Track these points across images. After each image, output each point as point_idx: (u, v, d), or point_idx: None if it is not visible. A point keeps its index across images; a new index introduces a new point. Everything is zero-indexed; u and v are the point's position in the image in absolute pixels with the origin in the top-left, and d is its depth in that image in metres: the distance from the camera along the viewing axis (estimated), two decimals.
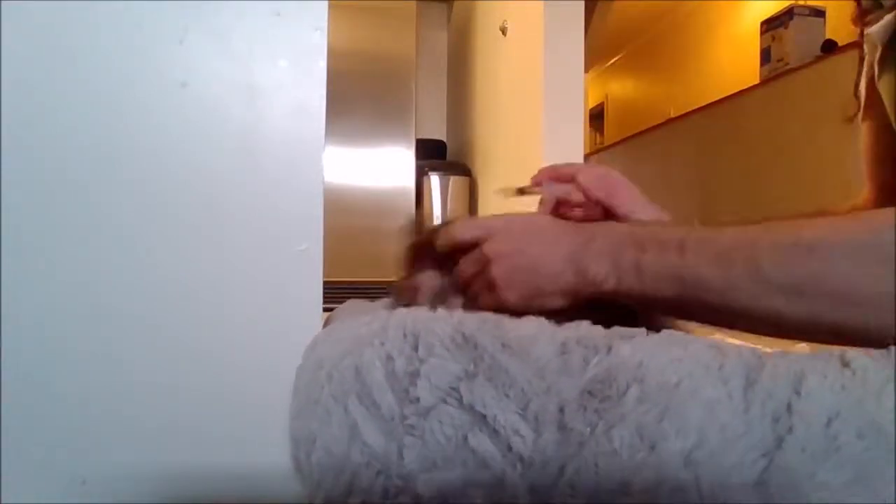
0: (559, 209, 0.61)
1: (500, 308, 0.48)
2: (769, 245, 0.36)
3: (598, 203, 0.60)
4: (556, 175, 0.63)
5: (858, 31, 0.68)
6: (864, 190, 0.76)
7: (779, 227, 0.38)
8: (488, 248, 0.49)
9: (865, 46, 0.68)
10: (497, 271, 0.49)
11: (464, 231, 0.52)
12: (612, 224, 0.49)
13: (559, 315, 0.41)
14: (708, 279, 0.37)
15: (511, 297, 0.48)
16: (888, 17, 0.61)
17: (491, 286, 0.49)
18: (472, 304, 0.51)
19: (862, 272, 0.34)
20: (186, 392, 0.46)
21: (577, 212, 0.60)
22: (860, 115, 0.73)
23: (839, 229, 0.36)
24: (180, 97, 0.46)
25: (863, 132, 0.74)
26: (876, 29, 0.65)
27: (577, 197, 0.60)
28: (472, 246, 0.51)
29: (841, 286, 0.34)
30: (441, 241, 0.54)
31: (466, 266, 0.52)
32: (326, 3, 0.49)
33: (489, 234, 0.50)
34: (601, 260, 0.43)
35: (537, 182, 0.63)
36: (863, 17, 0.66)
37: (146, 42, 0.46)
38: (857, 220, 0.37)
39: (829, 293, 0.34)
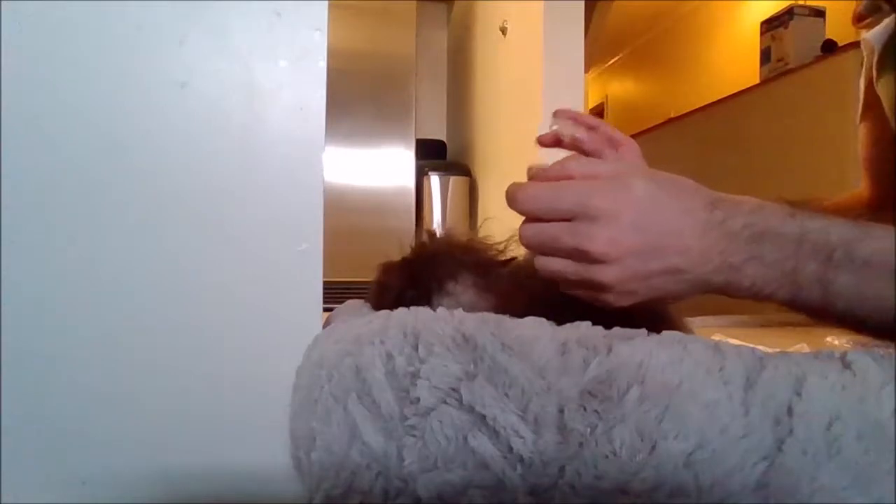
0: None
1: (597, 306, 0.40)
2: None
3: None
4: (577, 120, 0.58)
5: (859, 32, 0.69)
6: (861, 184, 0.76)
7: None
8: (599, 244, 0.37)
9: (863, 49, 0.68)
10: (611, 275, 0.38)
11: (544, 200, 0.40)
12: (786, 214, 0.37)
13: (560, 315, 0.39)
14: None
15: (626, 302, 0.39)
16: (887, 21, 0.61)
17: (598, 288, 0.39)
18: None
19: None
20: (186, 392, 0.46)
21: None
22: (858, 116, 0.73)
23: None
24: (180, 97, 0.46)
25: (860, 132, 0.74)
26: (874, 33, 0.65)
27: (589, 147, 0.55)
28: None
29: None
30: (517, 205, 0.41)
31: (559, 265, 0.40)
32: (326, 3, 0.49)
33: (595, 216, 0.37)
34: (760, 269, 0.36)
35: (556, 114, 0.58)
36: (861, 19, 0.66)
37: (146, 42, 0.46)
38: None
39: None
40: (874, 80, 0.64)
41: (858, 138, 0.76)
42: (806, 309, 0.37)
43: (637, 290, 0.39)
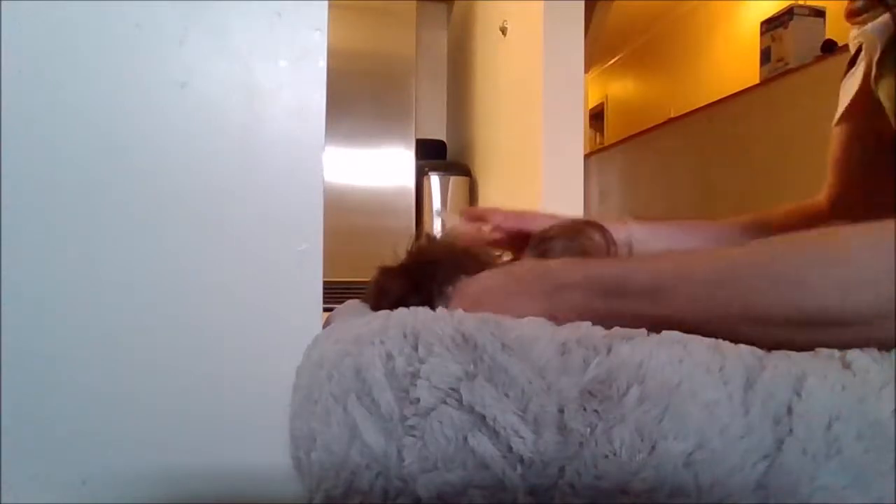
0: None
1: None
2: (749, 285, 0.36)
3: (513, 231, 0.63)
4: (473, 216, 0.67)
5: (853, 26, 0.66)
6: (823, 189, 0.75)
7: (759, 257, 0.38)
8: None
9: (863, 44, 0.66)
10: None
11: None
12: (577, 267, 0.47)
13: None
14: (689, 323, 0.38)
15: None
16: (886, 15, 0.60)
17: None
18: None
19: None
20: (186, 392, 0.46)
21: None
22: (836, 116, 0.72)
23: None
24: (180, 97, 0.46)
25: (839, 131, 0.73)
26: (875, 26, 0.63)
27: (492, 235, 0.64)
28: None
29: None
30: None
31: None
32: (326, 3, 0.49)
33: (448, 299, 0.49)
34: (573, 315, 0.42)
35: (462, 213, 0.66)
36: (857, 13, 0.65)
37: (146, 42, 0.46)
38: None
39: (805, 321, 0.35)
40: (874, 78, 0.63)
41: (834, 137, 0.74)
42: None
43: None
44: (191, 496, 0.47)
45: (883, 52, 0.61)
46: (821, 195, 0.75)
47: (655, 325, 0.38)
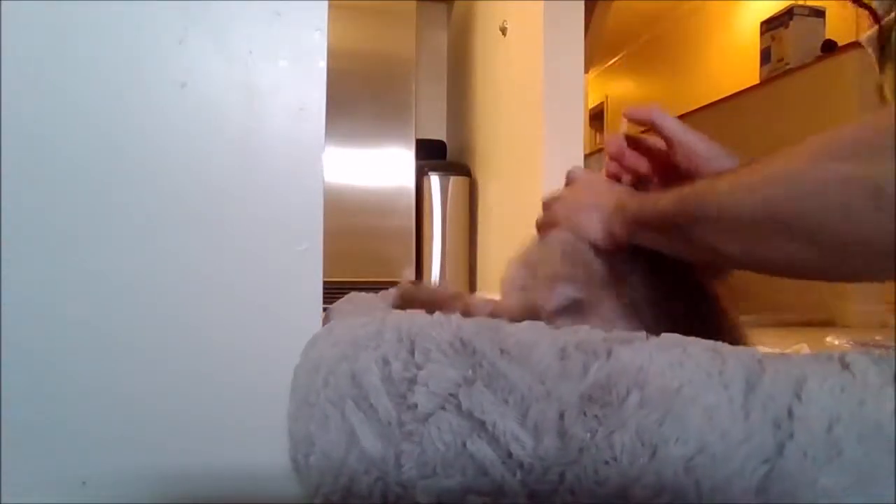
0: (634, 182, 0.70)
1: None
2: (727, 186, 0.43)
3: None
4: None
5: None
6: None
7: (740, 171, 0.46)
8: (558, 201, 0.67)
9: (867, 48, 0.69)
10: (559, 207, 0.65)
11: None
12: (632, 195, 0.59)
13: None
14: (671, 215, 0.46)
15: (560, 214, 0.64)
16: (877, 27, 0.62)
17: (553, 220, 0.65)
18: None
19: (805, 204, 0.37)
20: (186, 392, 0.46)
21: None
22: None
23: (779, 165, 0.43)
24: (180, 97, 0.46)
25: None
26: (868, 36, 0.66)
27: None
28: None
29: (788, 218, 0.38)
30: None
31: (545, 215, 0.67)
32: (326, 3, 0.49)
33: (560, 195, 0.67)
34: (622, 225, 0.55)
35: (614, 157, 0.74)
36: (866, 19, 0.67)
37: (146, 42, 0.46)
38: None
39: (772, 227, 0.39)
40: (878, 71, 0.66)
41: None
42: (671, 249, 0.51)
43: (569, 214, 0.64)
44: (191, 496, 0.46)
45: (879, 53, 0.63)
46: None
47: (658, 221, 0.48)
